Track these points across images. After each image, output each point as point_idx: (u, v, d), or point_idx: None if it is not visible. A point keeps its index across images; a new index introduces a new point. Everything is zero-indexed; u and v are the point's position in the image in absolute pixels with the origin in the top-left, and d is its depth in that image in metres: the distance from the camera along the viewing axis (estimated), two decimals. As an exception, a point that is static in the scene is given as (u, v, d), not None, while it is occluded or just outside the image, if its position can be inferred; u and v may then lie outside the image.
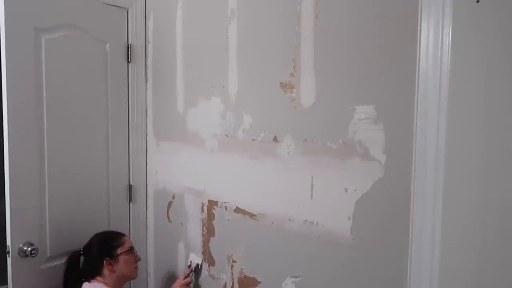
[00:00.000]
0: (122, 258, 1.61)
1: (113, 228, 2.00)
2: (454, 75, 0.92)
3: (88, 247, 1.66)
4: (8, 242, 1.68)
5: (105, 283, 1.56)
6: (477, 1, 0.88)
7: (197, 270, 1.77)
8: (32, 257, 1.69)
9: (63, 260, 1.72)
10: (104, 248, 1.62)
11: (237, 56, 1.54)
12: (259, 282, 1.49)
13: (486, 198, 0.89)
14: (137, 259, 1.69)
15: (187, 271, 1.78)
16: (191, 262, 1.80)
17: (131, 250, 1.66)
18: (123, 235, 1.71)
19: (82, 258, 1.67)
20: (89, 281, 1.57)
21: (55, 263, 1.79)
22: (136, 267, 1.67)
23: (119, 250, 1.62)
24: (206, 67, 1.69)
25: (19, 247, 1.69)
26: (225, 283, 1.64)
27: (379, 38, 1.10)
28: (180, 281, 1.75)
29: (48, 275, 1.77)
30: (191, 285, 1.77)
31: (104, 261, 1.59)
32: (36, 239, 1.74)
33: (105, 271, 1.59)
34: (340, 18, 1.19)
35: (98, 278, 1.58)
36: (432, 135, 0.96)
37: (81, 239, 1.71)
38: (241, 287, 1.57)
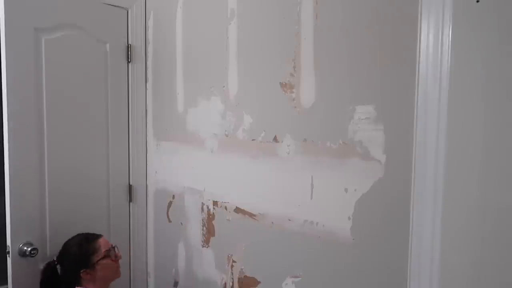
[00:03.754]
0: (99, 265, 1.52)
1: (113, 228, 2.00)
2: (454, 75, 0.92)
3: (61, 256, 1.58)
4: (8, 242, 1.68)
5: None
6: (477, 1, 0.88)
7: None
8: (32, 257, 1.69)
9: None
10: (78, 259, 1.52)
11: (237, 56, 1.54)
12: (259, 282, 1.49)
13: (486, 198, 0.89)
14: (117, 258, 1.59)
15: None
16: None
17: (107, 253, 1.55)
18: (97, 237, 1.59)
19: (58, 267, 1.58)
20: None
21: (55, 263, 1.79)
22: (117, 266, 1.58)
23: (95, 258, 1.52)
24: (206, 67, 1.69)
25: (19, 247, 1.69)
26: (225, 283, 1.64)
27: (379, 38, 1.10)
28: None
29: (48, 275, 1.77)
30: None
31: (81, 273, 1.50)
32: (36, 239, 1.73)
33: (84, 281, 1.51)
34: (340, 18, 1.19)
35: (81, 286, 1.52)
36: (432, 135, 0.96)
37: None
38: (241, 287, 1.57)
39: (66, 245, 1.60)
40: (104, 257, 1.54)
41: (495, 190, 0.88)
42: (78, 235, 1.64)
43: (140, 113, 2.08)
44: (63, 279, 1.56)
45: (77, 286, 1.52)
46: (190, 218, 1.82)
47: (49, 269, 1.59)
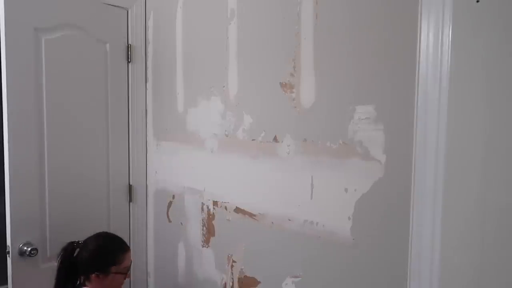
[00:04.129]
0: (112, 276, 1.48)
1: (113, 228, 1.99)
2: (454, 75, 0.92)
3: (86, 245, 1.53)
4: (8, 242, 1.68)
5: None
6: (477, 1, 0.88)
7: None
8: (32, 257, 1.70)
9: (63, 260, 1.71)
10: (98, 261, 1.48)
11: (237, 56, 1.54)
12: (259, 282, 1.49)
13: (486, 198, 0.89)
14: (127, 277, 1.55)
15: None
16: None
17: (125, 271, 1.52)
18: (126, 250, 1.55)
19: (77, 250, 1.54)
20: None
21: (55, 263, 1.78)
22: (123, 283, 1.55)
23: (113, 269, 1.48)
24: (206, 67, 1.69)
25: (19, 247, 1.69)
26: (225, 283, 1.64)
27: (379, 38, 1.10)
28: None
29: (48, 275, 1.76)
30: None
31: (93, 274, 1.46)
32: (36, 239, 1.74)
33: (91, 281, 1.48)
34: (340, 18, 1.19)
35: (87, 284, 1.49)
36: (432, 135, 0.96)
37: (81, 239, 1.71)
38: (241, 287, 1.57)
39: (97, 238, 1.55)
40: (122, 273, 1.51)
41: (495, 190, 0.87)
42: (109, 237, 1.60)
43: (140, 113, 2.08)
44: (79, 266, 1.51)
45: (86, 281, 1.49)
46: (190, 218, 1.82)
47: (70, 250, 1.53)
